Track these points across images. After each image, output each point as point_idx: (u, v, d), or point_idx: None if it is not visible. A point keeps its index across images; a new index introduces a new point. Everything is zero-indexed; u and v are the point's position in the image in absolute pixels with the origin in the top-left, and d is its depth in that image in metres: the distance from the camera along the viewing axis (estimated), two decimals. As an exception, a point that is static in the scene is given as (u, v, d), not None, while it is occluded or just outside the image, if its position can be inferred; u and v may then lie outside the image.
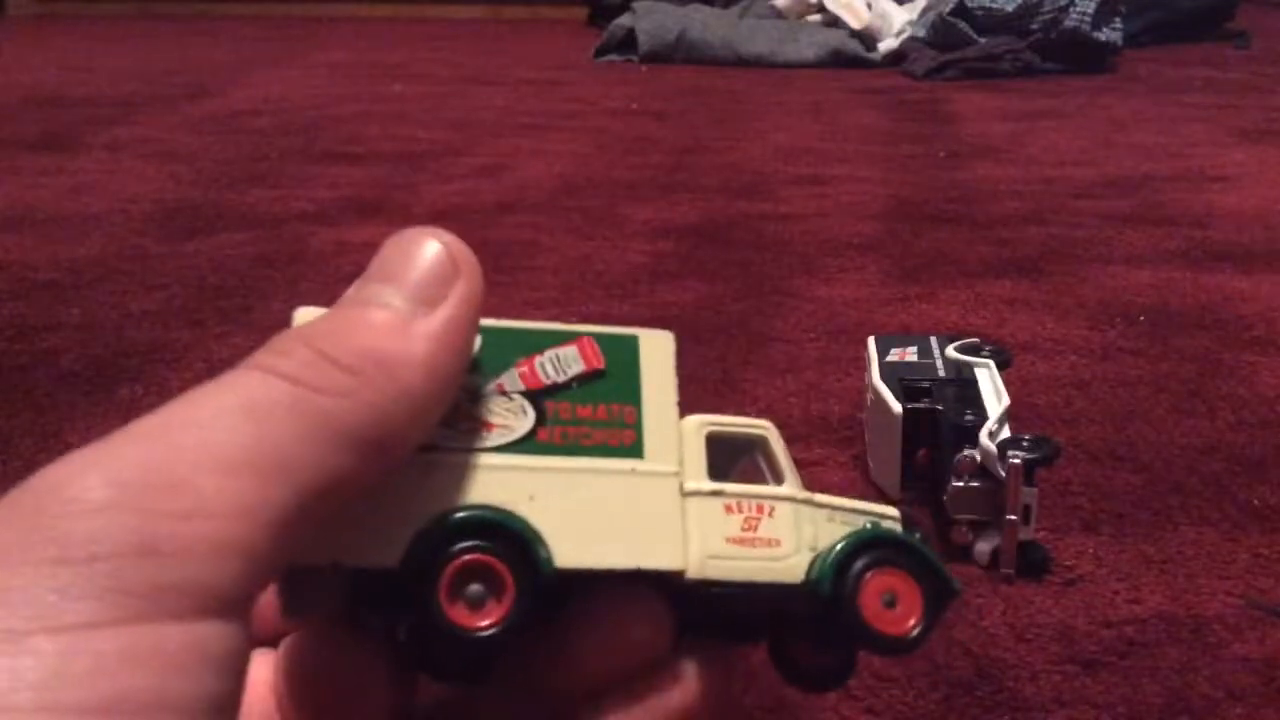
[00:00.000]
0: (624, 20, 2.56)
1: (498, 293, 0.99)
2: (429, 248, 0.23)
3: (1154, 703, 0.47)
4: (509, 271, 1.05)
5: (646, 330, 0.27)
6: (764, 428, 0.27)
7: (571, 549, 0.24)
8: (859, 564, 0.26)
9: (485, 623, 0.23)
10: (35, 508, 0.19)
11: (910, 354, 0.66)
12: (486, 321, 0.25)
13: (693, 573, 0.25)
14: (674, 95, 2.06)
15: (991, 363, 0.63)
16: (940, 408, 0.60)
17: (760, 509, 0.26)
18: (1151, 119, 1.78)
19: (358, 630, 0.25)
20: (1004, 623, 0.52)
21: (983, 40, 2.26)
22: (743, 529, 0.26)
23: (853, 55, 2.42)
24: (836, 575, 0.26)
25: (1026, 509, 0.55)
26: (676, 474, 0.25)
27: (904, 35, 2.46)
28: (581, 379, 0.25)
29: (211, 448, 0.20)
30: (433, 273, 0.23)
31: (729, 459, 0.27)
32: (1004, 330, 0.89)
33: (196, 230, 1.19)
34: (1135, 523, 0.61)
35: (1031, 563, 0.56)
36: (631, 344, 0.27)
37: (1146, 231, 1.16)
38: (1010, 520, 0.54)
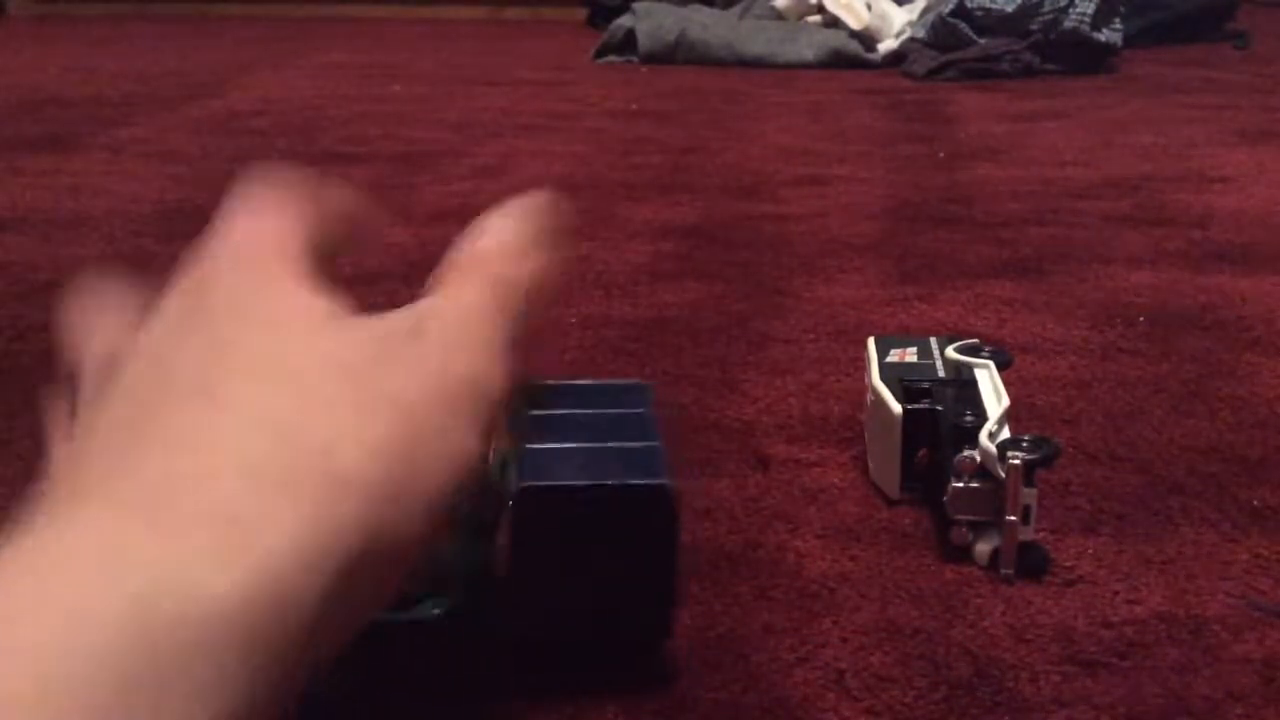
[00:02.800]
0: (624, 21, 2.56)
1: (498, 293, 0.99)
2: None
3: (1154, 703, 0.47)
4: (509, 272, 1.04)
5: None
6: None
7: None
8: None
9: None
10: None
11: (910, 355, 0.66)
12: None
13: None
14: (674, 96, 2.06)
15: (991, 363, 0.63)
16: (940, 408, 0.60)
17: None
18: (1151, 119, 1.78)
19: None
20: (1004, 623, 0.52)
21: (982, 41, 2.26)
22: None
23: (853, 56, 2.42)
24: None
25: (1026, 509, 0.55)
26: None
27: (904, 36, 2.46)
28: None
29: None
30: None
31: None
32: (1004, 331, 0.89)
33: (197, 231, 1.19)
34: (1135, 523, 0.61)
35: (1031, 563, 0.56)
36: None
37: (1146, 232, 1.16)
38: (1010, 521, 0.54)
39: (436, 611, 0.50)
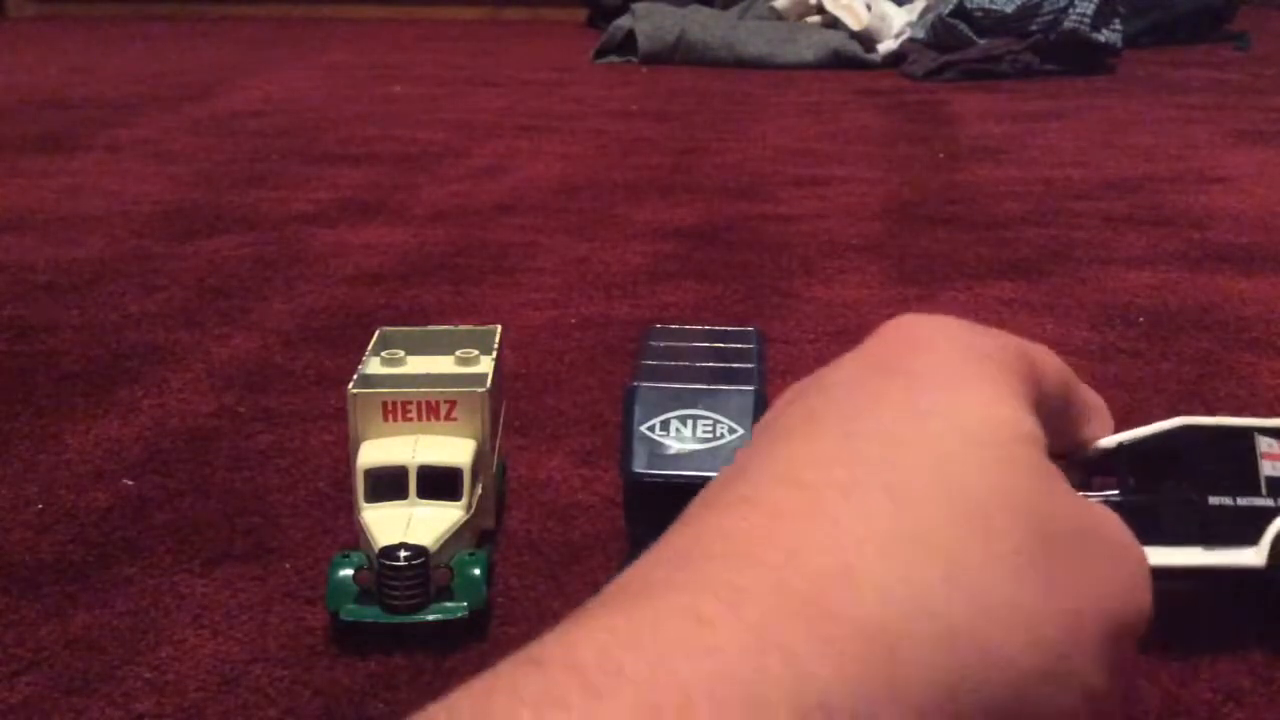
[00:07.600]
0: (623, 21, 2.56)
1: (498, 293, 0.99)
2: None
3: (1153, 705, 0.47)
4: (509, 272, 1.05)
5: None
6: None
7: None
8: None
9: None
10: None
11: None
12: None
13: None
14: (673, 96, 2.07)
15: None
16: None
17: None
18: (1151, 120, 1.78)
19: None
20: (1004, 624, 0.52)
21: (982, 41, 2.26)
22: None
23: (852, 56, 2.42)
24: None
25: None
26: None
27: (903, 36, 2.46)
28: None
29: None
30: None
31: None
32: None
33: (196, 231, 1.19)
34: (1135, 524, 0.61)
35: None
36: None
37: (1146, 233, 1.16)
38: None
39: (464, 607, 0.50)
